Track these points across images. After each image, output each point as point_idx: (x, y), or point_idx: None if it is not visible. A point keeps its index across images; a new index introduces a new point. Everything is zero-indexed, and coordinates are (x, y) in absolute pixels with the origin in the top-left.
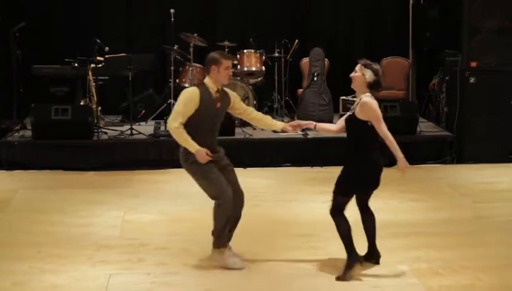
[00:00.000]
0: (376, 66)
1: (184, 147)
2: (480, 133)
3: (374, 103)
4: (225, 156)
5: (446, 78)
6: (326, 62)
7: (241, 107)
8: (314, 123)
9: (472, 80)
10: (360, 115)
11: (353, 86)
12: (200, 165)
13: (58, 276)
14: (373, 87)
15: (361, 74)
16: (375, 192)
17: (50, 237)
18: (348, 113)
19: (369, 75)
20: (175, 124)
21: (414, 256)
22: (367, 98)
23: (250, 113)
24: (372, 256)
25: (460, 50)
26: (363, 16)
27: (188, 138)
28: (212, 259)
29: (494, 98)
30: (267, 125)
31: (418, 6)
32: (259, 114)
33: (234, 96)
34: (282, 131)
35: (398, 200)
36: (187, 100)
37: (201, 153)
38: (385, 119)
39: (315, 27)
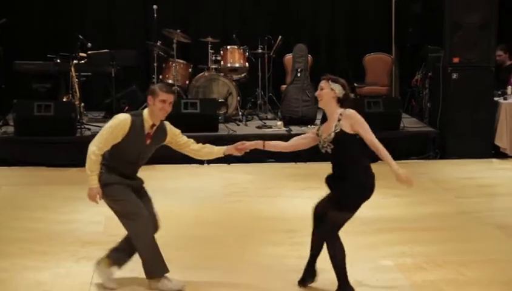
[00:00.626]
0: (342, 80)
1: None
2: (462, 128)
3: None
4: (143, 187)
5: (429, 74)
6: (309, 58)
7: (180, 141)
8: (262, 142)
9: (454, 76)
10: (348, 128)
11: (321, 104)
12: (114, 186)
13: (41, 272)
14: (344, 102)
15: (329, 89)
16: None
17: (33, 233)
18: (327, 134)
19: (338, 90)
20: (96, 150)
21: (399, 251)
22: (352, 110)
23: (190, 145)
24: (311, 274)
25: (443, 46)
26: (345, 12)
27: (95, 172)
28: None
29: (477, 94)
30: (210, 154)
31: (401, 2)
32: (199, 145)
33: (173, 134)
34: (225, 155)
35: (382, 195)
36: (116, 127)
37: (93, 191)
38: (368, 115)
39: (298, 23)
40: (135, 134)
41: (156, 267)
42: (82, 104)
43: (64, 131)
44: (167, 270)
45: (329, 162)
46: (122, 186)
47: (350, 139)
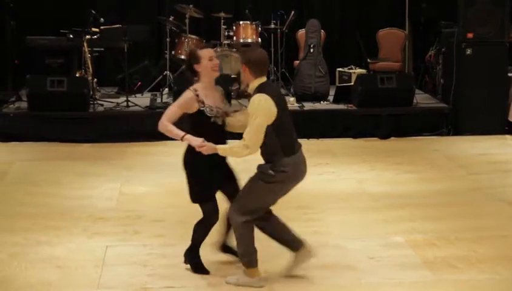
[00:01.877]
0: None
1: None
2: (476, 104)
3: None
4: None
5: (443, 49)
6: (322, 33)
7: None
8: None
9: (468, 51)
10: None
11: None
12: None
13: (54, 247)
14: None
15: None
16: (371, 163)
17: (46, 209)
18: None
19: None
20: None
21: (410, 227)
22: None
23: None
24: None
25: (457, 21)
26: None
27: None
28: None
29: (490, 70)
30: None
31: None
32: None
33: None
34: None
35: (394, 171)
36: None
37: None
38: (382, 90)
39: None
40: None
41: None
42: (95, 80)
43: (76, 107)
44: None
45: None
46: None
47: None
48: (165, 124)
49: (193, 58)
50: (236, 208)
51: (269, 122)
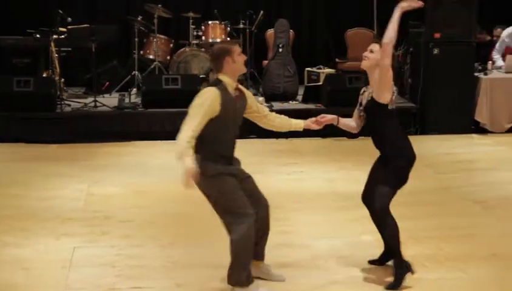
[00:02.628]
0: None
1: (198, 155)
2: (443, 104)
3: None
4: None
5: (410, 49)
6: (291, 33)
7: (253, 106)
8: (336, 117)
9: (435, 51)
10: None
11: (363, 66)
12: (224, 178)
13: (22, 249)
14: None
15: (378, 56)
16: (340, 163)
17: (12, 210)
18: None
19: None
20: (191, 134)
21: None
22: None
23: (265, 112)
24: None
25: (424, 21)
26: None
27: (190, 155)
28: None
29: (457, 69)
30: (285, 126)
31: None
32: (273, 115)
33: (250, 95)
34: (305, 128)
35: (362, 171)
36: (208, 100)
37: (192, 171)
38: (350, 90)
39: None
40: (227, 101)
41: (246, 275)
42: (62, 80)
43: (44, 107)
44: (253, 280)
45: (307, 138)
46: (232, 178)
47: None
48: None
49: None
50: None
51: None
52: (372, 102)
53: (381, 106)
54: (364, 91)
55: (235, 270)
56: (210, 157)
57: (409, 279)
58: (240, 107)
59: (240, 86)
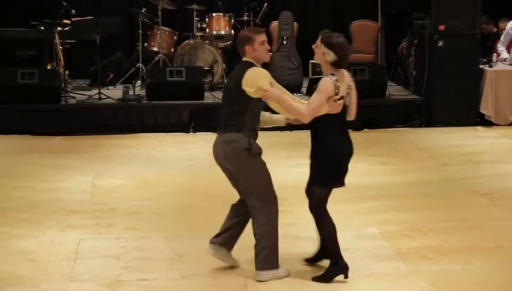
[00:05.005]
0: (338, 41)
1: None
2: (448, 96)
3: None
4: None
5: (415, 41)
6: (295, 25)
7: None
8: None
9: (440, 43)
10: None
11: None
12: (259, 158)
13: (27, 241)
14: (339, 65)
15: (321, 53)
16: None
17: (17, 202)
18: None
19: (330, 56)
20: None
21: (383, 218)
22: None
23: None
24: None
25: (429, 13)
26: None
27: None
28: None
29: (462, 61)
30: (268, 123)
31: None
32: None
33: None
34: (286, 124)
35: (367, 163)
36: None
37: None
38: (355, 82)
39: None
40: None
41: (275, 259)
42: (67, 72)
43: (48, 99)
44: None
45: None
46: (263, 162)
47: None
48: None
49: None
50: None
51: None
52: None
53: None
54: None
55: (268, 252)
56: (252, 135)
57: (413, 271)
58: None
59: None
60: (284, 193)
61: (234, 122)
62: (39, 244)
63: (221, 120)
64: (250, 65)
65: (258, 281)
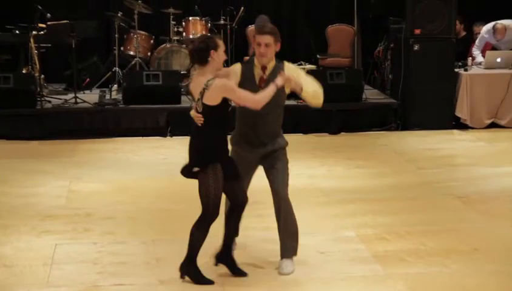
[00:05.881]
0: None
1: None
2: (424, 99)
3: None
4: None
5: (391, 45)
6: None
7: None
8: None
9: (416, 47)
10: None
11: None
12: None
13: (2, 246)
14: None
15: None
16: (322, 159)
17: None
18: None
19: None
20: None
21: (360, 222)
22: None
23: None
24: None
25: (404, 17)
26: None
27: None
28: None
29: (438, 65)
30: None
31: None
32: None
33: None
34: None
35: (344, 167)
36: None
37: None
38: (331, 86)
39: None
40: (246, 79)
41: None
42: (42, 76)
43: (24, 104)
44: None
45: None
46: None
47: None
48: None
49: (213, 44)
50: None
51: None
52: None
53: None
54: None
55: (296, 241)
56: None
57: (390, 274)
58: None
59: (282, 62)
60: (262, 196)
61: None
62: (15, 249)
63: None
64: (247, 62)
65: None
